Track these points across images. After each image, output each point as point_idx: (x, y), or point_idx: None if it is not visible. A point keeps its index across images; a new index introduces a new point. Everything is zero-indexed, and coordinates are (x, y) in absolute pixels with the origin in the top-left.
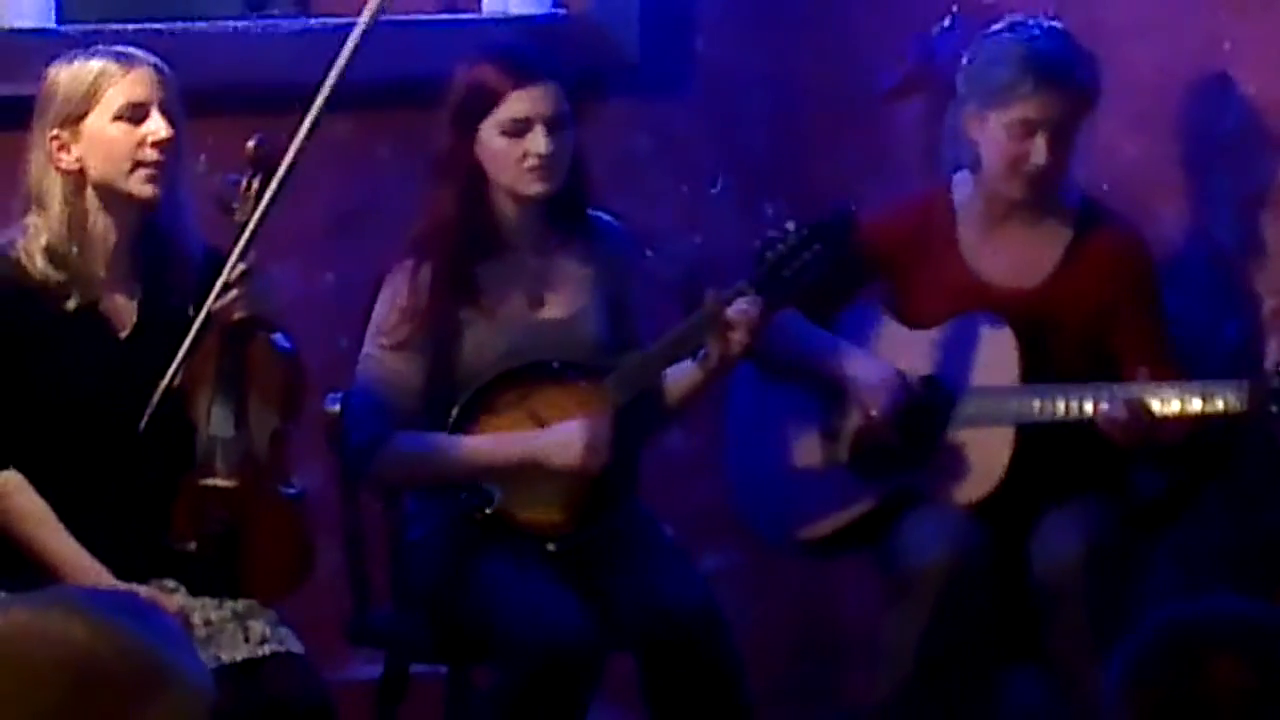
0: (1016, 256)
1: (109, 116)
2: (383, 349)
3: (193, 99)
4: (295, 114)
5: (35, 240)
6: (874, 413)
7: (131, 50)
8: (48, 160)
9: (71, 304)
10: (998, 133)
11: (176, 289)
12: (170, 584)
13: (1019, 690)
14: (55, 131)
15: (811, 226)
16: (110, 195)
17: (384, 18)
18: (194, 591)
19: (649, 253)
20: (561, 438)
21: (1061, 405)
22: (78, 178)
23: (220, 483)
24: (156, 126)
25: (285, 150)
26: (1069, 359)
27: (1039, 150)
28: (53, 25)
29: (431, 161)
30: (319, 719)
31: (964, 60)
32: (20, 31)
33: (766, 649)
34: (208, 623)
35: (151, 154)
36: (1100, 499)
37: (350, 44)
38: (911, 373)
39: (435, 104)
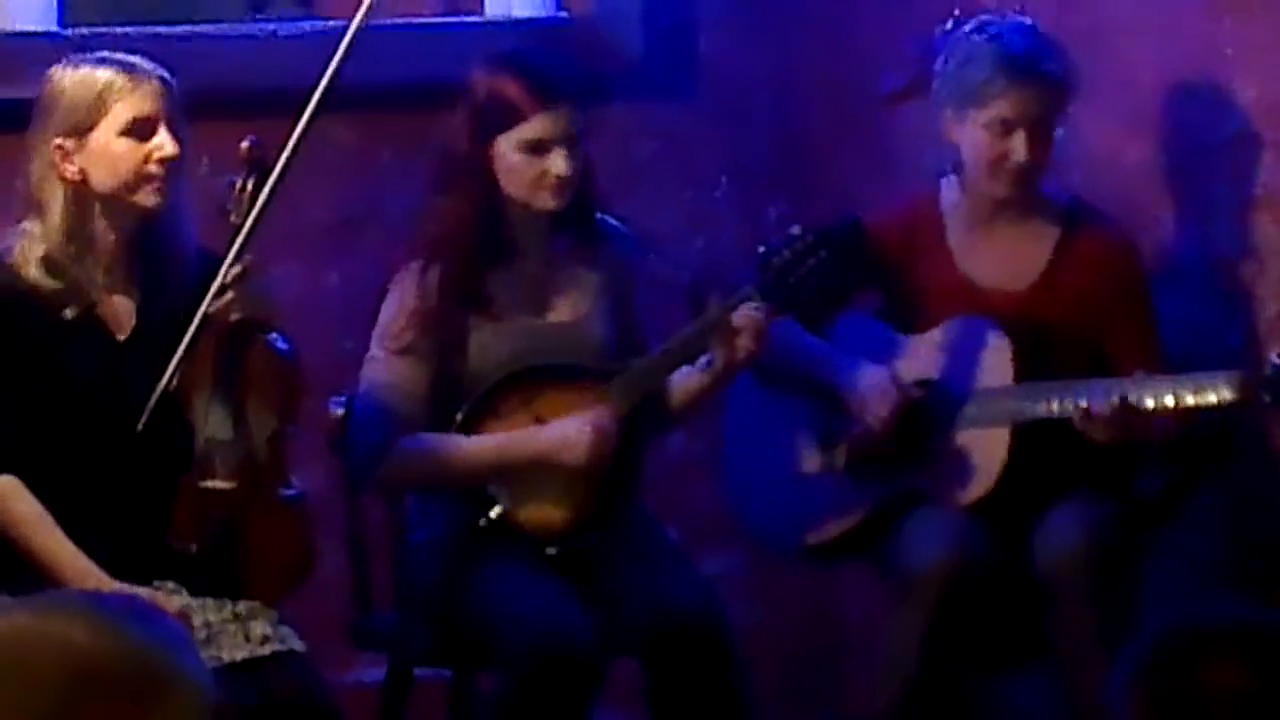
0: (1006, 258)
1: (115, 131)
2: (388, 353)
3: (195, 101)
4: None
5: (32, 248)
6: (870, 420)
7: (137, 61)
8: (49, 168)
9: (69, 313)
10: (976, 133)
11: (173, 291)
12: (170, 586)
13: (1021, 692)
14: (59, 141)
15: (817, 233)
16: (113, 205)
17: (386, 20)
18: (194, 593)
19: (653, 257)
20: (566, 433)
21: (1055, 404)
22: (79, 187)
23: (219, 484)
24: (164, 143)
25: (279, 151)
26: (1063, 359)
27: (1018, 147)
28: (55, 28)
29: (444, 165)
30: (322, 718)
31: (938, 64)
32: (22, 34)
33: (769, 652)
34: (208, 624)
35: (157, 169)
36: (1101, 496)
37: (344, 43)
38: (906, 377)
39: (438, 106)
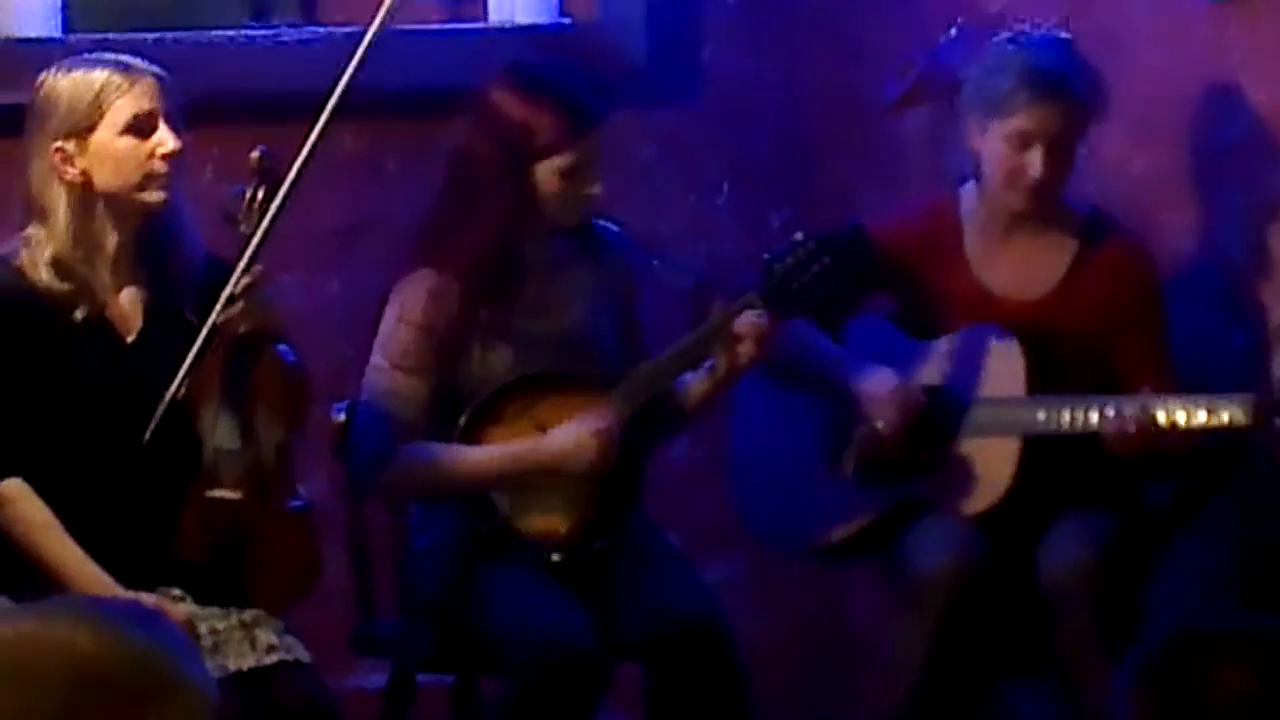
0: (1023, 267)
1: (116, 130)
2: (392, 363)
3: (198, 108)
4: (302, 123)
5: (39, 252)
6: (881, 425)
7: (130, 60)
8: (50, 172)
9: (79, 314)
10: (997, 143)
11: (179, 290)
12: (176, 593)
13: (1025, 700)
14: (59, 144)
15: (820, 239)
16: (117, 204)
17: (390, 27)
18: (200, 601)
19: (656, 262)
20: (569, 440)
21: (1067, 416)
22: (83, 188)
23: (226, 494)
24: (166, 139)
25: (289, 162)
26: (1076, 370)
27: (1035, 163)
28: (59, 34)
29: (468, 184)
30: None
31: (969, 70)
32: (26, 40)
33: (772, 657)
34: (214, 632)
35: (161, 166)
36: (1108, 509)
37: (357, 55)
38: (919, 384)
39: (443, 113)
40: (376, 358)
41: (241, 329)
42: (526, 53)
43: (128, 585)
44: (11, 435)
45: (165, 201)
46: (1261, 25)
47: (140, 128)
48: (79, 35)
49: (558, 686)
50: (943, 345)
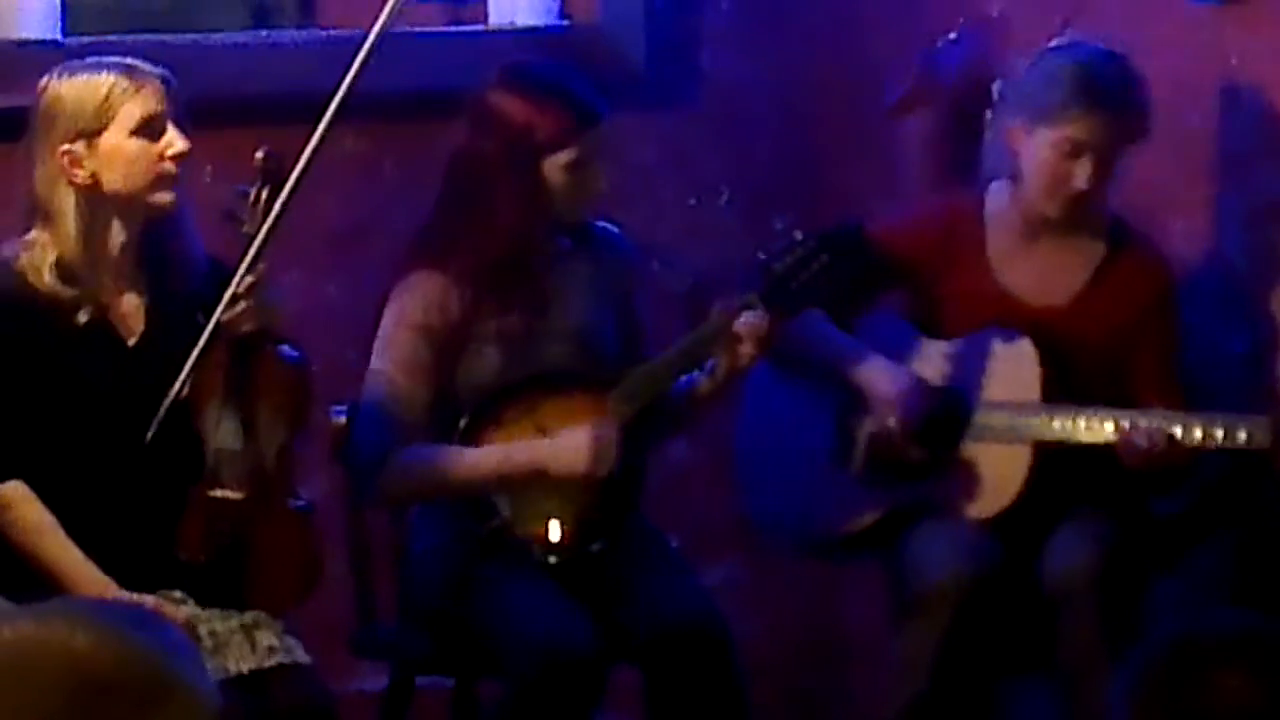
0: (1046, 273)
1: (125, 133)
2: (391, 365)
3: (199, 110)
4: (301, 125)
5: (44, 255)
6: (891, 422)
7: (135, 62)
8: (57, 175)
9: (83, 317)
10: (1043, 150)
11: (181, 291)
12: (177, 595)
13: (1028, 704)
14: (66, 147)
15: (819, 237)
16: (126, 206)
17: (390, 29)
18: (201, 603)
19: (656, 264)
20: (568, 444)
21: (1082, 426)
22: (90, 191)
23: (228, 494)
24: (175, 140)
25: (293, 162)
26: (1090, 378)
27: (1082, 172)
28: (59, 37)
29: (473, 184)
30: None
31: (1015, 73)
32: (27, 43)
33: (772, 660)
34: (214, 634)
35: (171, 167)
36: (1114, 515)
37: (361, 55)
38: (931, 383)
39: (442, 115)
40: (376, 360)
41: (244, 329)
42: (526, 56)
43: (129, 587)
44: (12, 437)
45: (174, 203)
46: (1261, 27)
47: (149, 129)
48: (78, 38)
49: (556, 689)
50: (958, 346)
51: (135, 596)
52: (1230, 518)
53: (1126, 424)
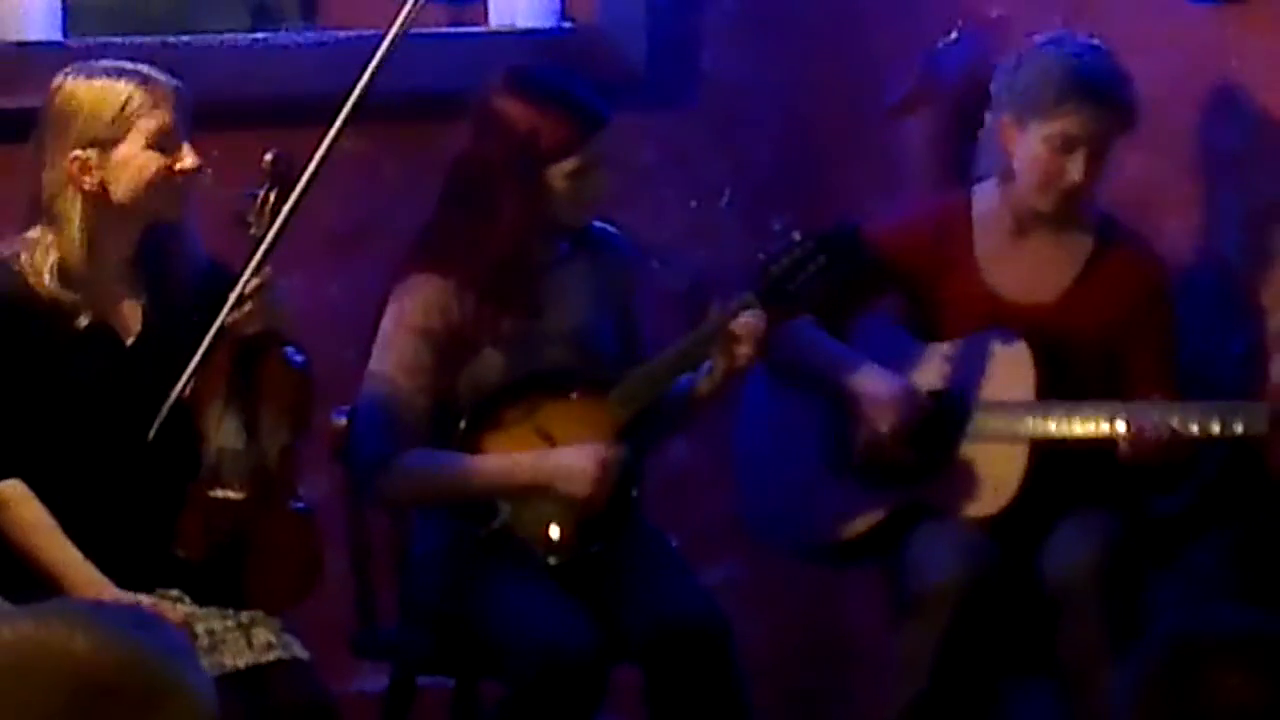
0: (1034, 271)
1: (140, 145)
2: (391, 367)
3: (199, 112)
4: (303, 127)
5: (45, 257)
6: (884, 428)
7: (152, 72)
8: (67, 180)
9: (83, 320)
10: (1036, 145)
11: (179, 293)
12: (174, 593)
13: (1027, 700)
14: (78, 153)
15: (816, 238)
16: (130, 215)
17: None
18: (200, 602)
19: (656, 265)
20: (569, 464)
21: (1078, 423)
22: (97, 198)
23: (229, 494)
24: (187, 156)
25: (301, 165)
26: (1085, 375)
27: (1076, 167)
28: (59, 37)
29: (477, 190)
30: None
31: (1005, 69)
32: (27, 44)
33: (772, 661)
34: (211, 632)
35: (180, 182)
36: (1113, 512)
37: (376, 59)
38: (925, 386)
39: (443, 116)
40: (375, 362)
41: (249, 330)
42: (527, 57)
43: (125, 585)
44: (11, 436)
45: (181, 215)
46: (1261, 28)
47: (164, 143)
48: (80, 39)
49: (557, 689)
50: (950, 348)
51: (132, 596)
52: (1227, 515)
53: (1122, 418)
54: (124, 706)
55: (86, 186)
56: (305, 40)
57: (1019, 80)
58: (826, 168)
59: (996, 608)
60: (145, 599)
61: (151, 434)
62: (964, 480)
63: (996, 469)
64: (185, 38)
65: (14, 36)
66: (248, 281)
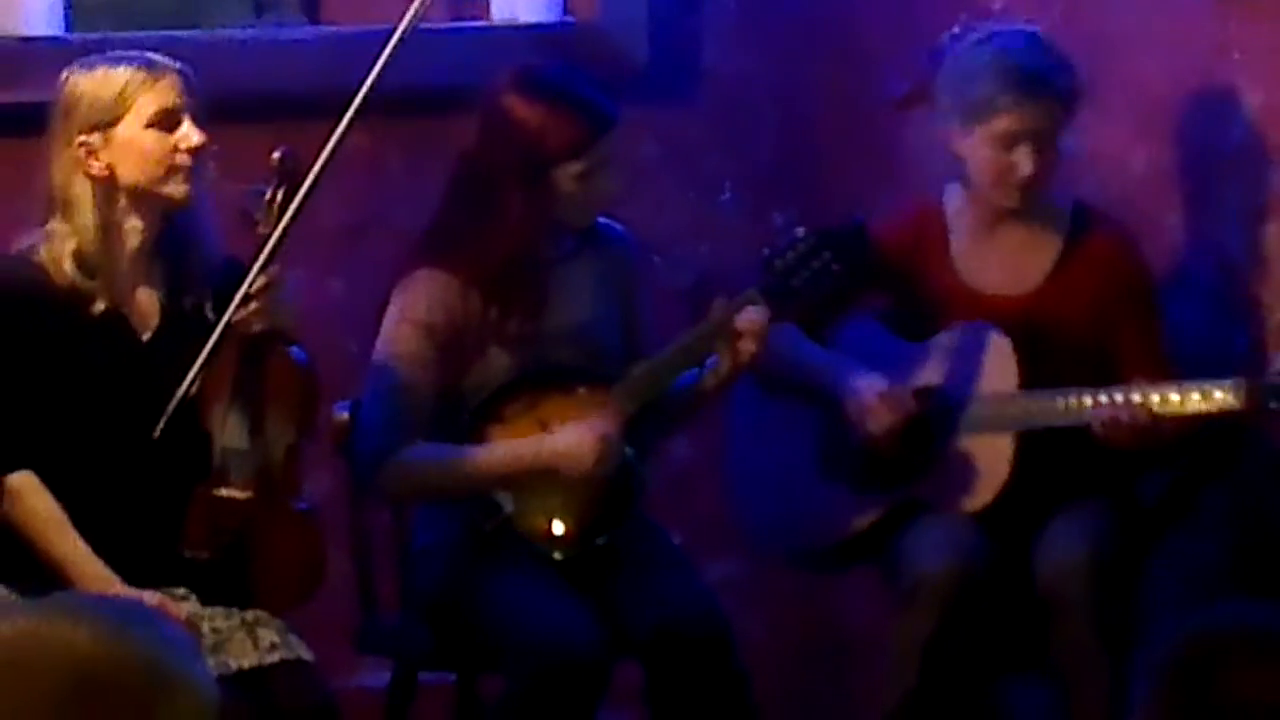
0: (1009, 264)
1: (141, 124)
2: (394, 361)
3: (203, 107)
4: (307, 122)
5: (62, 246)
6: (875, 429)
7: (154, 56)
8: (74, 166)
9: (98, 307)
10: (982, 147)
11: (196, 288)
12: (180, 591)
13: (1022, 697)
14: (83, 138)
15: (821, 234)
16: (142, 199)
17: (392, 26)
18: (204, 601)
19: (658, 260)
20: (570, 443)
21: (1061, 409)
22: (107, 183)
23: (234, 493)
24: (191, 133)
25: (309, 162)
26: (1068, 364)
27: (1023, 161)
28: (62, 33)
29: (485, 189)
30: None
31: (941, 75)
32: (30, 39)
33: (772, 656)
34: (216, 630)
35: (185, 159)
36: (1104, 505)
37: (385, 54)
38: (911, 385)
39: (445, 112)
40: (379, 357)
41: (255, 329)
42: (529, 52)
43: (133, 583)
44: (23, 428)
45: (189, 196)
46: (1261, 25)
47: (165, 122)
48: (82, 35)
49: (559, 685)
50: (934, 345)
51: (138, 592)
52: (1216, 487)
53: (1104, 400)
54: (126, 701)
55: (94, 171)
56: (308, 36)
57: (953, 84)
58: (827, 164)
59: (989, 601)
60: (150, 595)
61: (157, 431)
62: (954, 475)
63: (985, 461)
64: (187, 33)
65: (17, 31)
66: (254, 280)
